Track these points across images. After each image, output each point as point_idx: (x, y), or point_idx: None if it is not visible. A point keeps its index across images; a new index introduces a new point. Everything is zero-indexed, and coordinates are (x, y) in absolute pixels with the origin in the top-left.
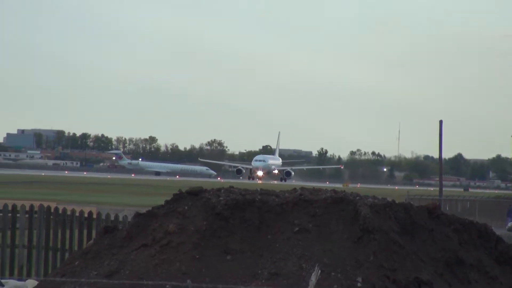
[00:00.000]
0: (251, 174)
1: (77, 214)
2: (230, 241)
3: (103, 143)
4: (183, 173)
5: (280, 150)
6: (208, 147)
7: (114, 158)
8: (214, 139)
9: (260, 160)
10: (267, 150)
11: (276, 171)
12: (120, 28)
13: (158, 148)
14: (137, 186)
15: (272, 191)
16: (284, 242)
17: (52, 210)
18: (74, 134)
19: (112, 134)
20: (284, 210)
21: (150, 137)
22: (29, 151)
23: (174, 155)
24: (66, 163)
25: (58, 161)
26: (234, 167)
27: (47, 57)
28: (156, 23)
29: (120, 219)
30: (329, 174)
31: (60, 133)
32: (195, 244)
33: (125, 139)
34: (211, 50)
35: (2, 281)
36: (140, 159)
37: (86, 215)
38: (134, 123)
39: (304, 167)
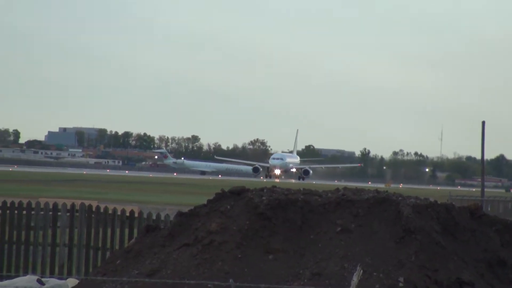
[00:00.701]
0: (268, 173)
1: (119, 212)
2: (273, 240)
3: (145, 142)
4: (228, 173)
5: (323, 150)
6: (251, 147)
7: (156, 157)
8: (257, 139)
9: (277, 158)
10: (309, 150)
11: (294, 170)
12: (165, 29)
13: (200, 147)
14: (179, 185)
15: (315, 190)
16: (326, 242)
17: (94, 209)
18: (116, 132)
19: (155, 133)
20: (326, 210)
21: (193, 136)
22: (70, 150)
23: (217, 154)
24: (108, 162)
25: (100, 160)
26: (251, 165)
27: (90, 55)
28: (196, 23)
29: (162, 218)
30: (371, 174)
31: (102, 132)
32: (237, 243)
33: (167, 138)
34: (252, 50)
35: (43, 279)
36: (182, 158)
37: (127, 214)
38: (176, 122)
39: (323, 166)
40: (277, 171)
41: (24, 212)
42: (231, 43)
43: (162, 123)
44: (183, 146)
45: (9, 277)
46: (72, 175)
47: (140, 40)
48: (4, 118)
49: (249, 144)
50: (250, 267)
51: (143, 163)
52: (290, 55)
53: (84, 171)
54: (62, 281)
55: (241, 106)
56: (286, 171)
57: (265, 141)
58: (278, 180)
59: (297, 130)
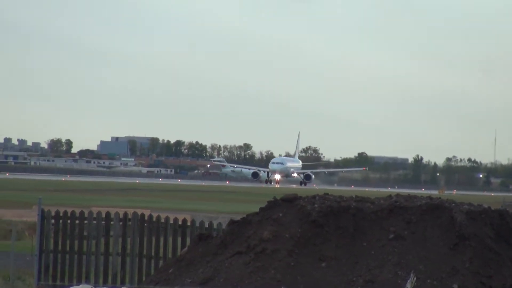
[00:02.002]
0: (268, 178)
1: (171, 221)
2: (325, 248)
3: (197, 150)
4: (286, 181)
5: (376, 157)
6: (303, 154)
7: (208, 165)
8: (309, 146)
9: (277, 163)
10: (362, 157)
11: (295, 175)
12: (219, 35)
13: (252, 155)
14: (232, 193)
15: (367, 198)
16: (379, 249)
17: (146, 218)
18: (169, 141)
19: (207, 141)
20: (379, 217)
21: (245, 144)
22: (123, 159)
23: (269, 162)
24: (160, 171)
25: (152, 169)
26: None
27: (142, 64)
28: (247, 31)
29: (215, 226)
30: (424, 180)
31: (154, 140)
32: (289, 251)
33: (219, 146)
34: (303, 57)
35: None
36: (235, 166)
37: (180, 222)
38: (229, 130)
39: (325, 170)
40: (277, 176)
41: (77, 221)
42: (282, 51)
43: (214, 131)
44: (235, 154)
45: (63, 287)
46: (125, 184)
47: (193, 48)
48: (56, 128)
49: (301, 151)
50: (302, 275)
51: (196, 171)
52: (341, 63)
53: (137, 180)
54: None
55: (295, 113)
56: (287, 176)
57: (318, 148)
58: (278, 186)
59: (299, 132)
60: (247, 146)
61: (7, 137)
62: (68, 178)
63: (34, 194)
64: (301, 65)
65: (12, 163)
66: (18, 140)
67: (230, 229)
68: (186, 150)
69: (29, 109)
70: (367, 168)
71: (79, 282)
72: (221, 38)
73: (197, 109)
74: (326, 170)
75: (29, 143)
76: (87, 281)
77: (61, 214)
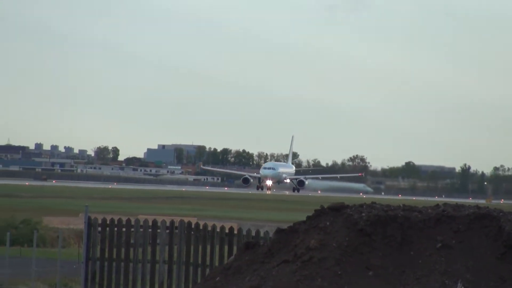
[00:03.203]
0: (260, 184)
1: (218, 229)
2: (372, 257)
3: (244, 158)
4: (340, 190)
5: (422, 166)
6: (350, 163)
7: (255, 174)
8: (357, 155)
9: (269, 168)
10: (409, 166)
11: (287, 180)
12: (268, 44)
13: (299, 164)
14: (279, 201)
15: (414, 207)
16: (426, 258)
17: (193, 226)
18: (215, 149)
19: (253, 150)
20: (426, 226)
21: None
22: (169, 167)
23: (316, 170)
24: (207, 179)
25: (199, 177)
26: (241, 176)
27: (189, 74)
28: (302, 40)
29: (261, 234)
30: (472, 190)
31: (201, 149)
32: (336, 260)
33: (266, 154)
34: (352, 65)
35: None
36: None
37: (227, 230)
38: (275, 139)
39: (320, 176)
40: (269, 182)
41: (124, 229)
42: (331, 58)
43: (261, 140)
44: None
45: None
46: (171, 192)
47: (238, 56)
48: (103, 135)
49: (348, 160)
50: (349, 284)
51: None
52: (387, 72)
53: (183, 188)
54: None
55: (341, 122)
56: (278, 182)
57: (365, 157)
58: (269, 192)
59: (292, 136)
60: (294, 155)
61: (54, 144)
62: (115, 185)
63: (81, 201)
64: (348, 74)
65: (59, 171)
66: (65, 147)
67: (277, 237)
68: (232, 158)
69: (77, 117)
70: (363, 174)
71: None
72: (270, 48)
73: (244, 118)
74: (320, 176)
75: (76, 151)
76: None
77: (107, 222)
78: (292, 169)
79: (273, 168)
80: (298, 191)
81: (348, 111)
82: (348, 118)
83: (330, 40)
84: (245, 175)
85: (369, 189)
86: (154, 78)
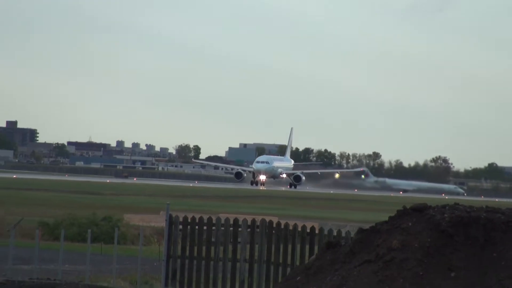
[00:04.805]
0: (254, 179)
1: (299, 229)
2: (454, 258)
3: (326, 158)
4: (430, 191)
5: (506, 168)
6: (433, 164)
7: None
8: (439, 156)
9: (262, 162)
10: (492, 167)
11: (284, 175)
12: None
13: (381, 164)
14: (360, 201)
15: (498, 208)
16: (510, 260)
17: (274, 225)
18: (297, 148)
19: (336, 150)
20: (510, 227)
21: (374, 152)
22: (251, 165)
23: (398, 171)
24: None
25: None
26: (231, 169)
27: (269, 71)
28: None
29: (343, 234)
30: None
31: (282, 148)
32: (418, 260)
33: (348, 154)
34: (435, 66)
35: None
36: (364, 173)
37: (308, 230)
38: (358, 138)
39: (318, 171)
40: (263, 177)
41: (205, 227)
42: (414, 58)
43: (343, 139)
44: (364, 163)
45: None
46: (253, 191)
47: (317, 55)
48: (185, 134)
49: (430, 161)
50: (431, 285)
51: (322, 181)
52: (472, 73)
53: (264, 187)
54: None
55: (424, 123)
56: (274, 177)
57: (447, 158)
58: (263, 188)
59: (291, 128)
60: (376, 155)
61: (135, 142)
62: (196, 184)
63: (162, 199)
64: (430, 74)
65: (140, 168)
66: (146, 145)
67: (359, 237)
68: (314, 158)
69: (159, 115)
70: (364, 169)
71: None
72: (352, 49)
73: (326, 117)
74: (319, 171)
75: (157, 149)
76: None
77: (189, 220)
78: (290, 163)
79: (267, 162)
80: (295, 187)
81: (431, 112)
82: (431, 119)
83: (409, 40)
84: (237, 169)
85: (460, 190)
86: (239, 79)
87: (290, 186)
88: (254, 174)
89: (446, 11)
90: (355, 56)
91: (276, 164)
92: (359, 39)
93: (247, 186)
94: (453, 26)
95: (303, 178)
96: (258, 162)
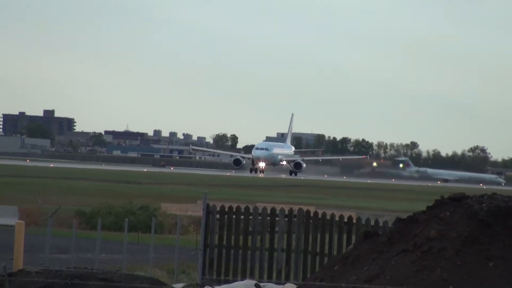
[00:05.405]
0: (253, 166)
1: (337, 218)
2: (492, 248)
3: (363, 148)
4: (471, 181)
5: None
6: (470, 154)
7: (374, 164)
8: (477, 145)
9: (262, 149)
10: None
11: (284, 162)
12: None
13: (419, 154)
14: (398, 191)
15: None
16: None
17: (311, 214)
18: (334, 138)
19: (373, 139)
20: None
21: (412, 142)
22: (320, 157)
23: (436, 161)
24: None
25: (318, 166)
26: (232, 156)
27: (310, 63)
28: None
29: (380, 224)
30: None
31: (320, 137)
32: (456, 250)
33: (386, 144)
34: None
35: (261, 284)
36: (402, 163)
37: (345, 219)
38: (395, 128)
39: (320, 158)
40: (262, 164)
41: (242, 216)
42: (453, 50)
43: (381, 129)
44: (401, 152)
45: (227, 282)
46: (290, 181)
47: (359, 47)
48: (222, 123)
49: (468, 151)
50: (469, 275)
51: (361, 170)
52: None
53: (302, 177)
54: (280, 286)
55: (463, 112)
56: (274, 164)
57: (485, 148)
58: (262, 175)
59: (292, 114)
60: (413, 145)
61: (173, 131)
62: (233, 173)
63: (199, 188)
64: (467, 66)
65: (177, 158)
66: (183, 134)
67: (397, 227)
68: (352, 148)
69: (196, 104)
70: (367, 156)
71: (243, 278)
72: (390, 39)
73: (364, 107)
74: (320, 158)
75: (195, 138)
76: (252, 277)
77: (226, 209)
78: (290, 150)
79: (266, 149)
80: (295, 174)
81: (468, 101)
82: (468, 109)
83: (447, 32)
84: (237, 156)
85: (500, 180)
86: (276, 68)
87: (291, 174)
88: (254, 161)
89: (476, 1)
90: (394, 47)
91: (276, 151)
92: (398, 30)
93: (246, 174)
94: (486, 16)
95: (304, 165)
96: (257, 148)
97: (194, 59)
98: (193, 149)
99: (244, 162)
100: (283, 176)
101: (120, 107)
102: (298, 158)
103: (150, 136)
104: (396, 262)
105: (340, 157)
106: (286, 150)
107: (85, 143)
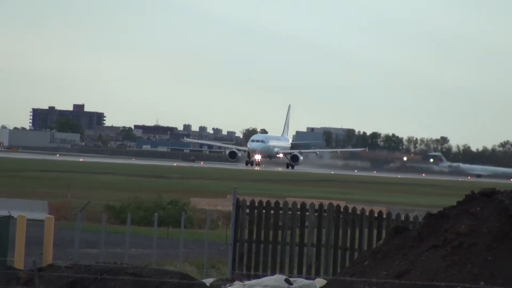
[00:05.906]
0: (249, 158)
1: (367, 213)
2: None
3: (393, 142)
4: (504, 176)
5: None
6: (501, 149)
7: (405, 159)
8: (507, 140)
9: (257, 141)
10: None
11: (280, 155)
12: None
13: (449, 149)
14: (428, 186)
15: None
16: None
17: (342, 209)
18: (364, 133)
19: (403, 134)
20: None
21: (442, 137)
22: (318, 150)
23: (466, 156)
24: (356, 163)
25: (348, 161)
26: (227, 148)
27: (349, 59)
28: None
29: (411, 219)
30: None
31: (350, 132)
32: (487, 246)
33: (416, 139)
34: (495, 49)
35: (291, 279)
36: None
37: (375, 214)
38: (426, 123)
39: (317, 150)
40: (258, 157)
41: (272, 211)
42: (476, 42)
43: (411, 124)
44: (431, 147)
45: (257, 277)
46: (320, 175)
47: (392, 41)
48: (252, 117)
49: (498, 146)
50: (500, 270)
51: (391, 164)
52: None
53: (332, 171)
54: (310, 281)
55: (493, 106)
56: (270, 157)
57: None
58: (258, 168)
59: (289, 105)
60: (443, 140)
61: (202, 125)
62: (263, 168)
63: (229, 183)
64: (499, 59)
65: (207, 152)
66: (213, 129)
67: (427, 222)
68: (382, 142)
69: (226, 98)
70: (366, 149)
71: (273, 273)
72: (420, 34)
73: (394, 101)
74: (317, 151)
75: (224, 132)
76: (282, 272)
77: (256, 204)
78: (287, 142)
79: (262, 141)
80: (292, 167)
81: (497, 96)
82: (498, 104)
83: (479, 25)
84: (232, 148)
85: None
86: (302, 61)
87: (287, 167)
88: (249, 153)
89: None
90: (425, 41)
91: (272, 143)
92: (431, 23)
93: (242, 167)
94: None
95: (301, 157)
96: (253, 141)
97: (224, 53)
98: (186, 141)
99: (240, 154)
100: (280, 169)
101: (150, 102)
102: (295, 151)
103: (180, 131)
104: (427, 258)
105: (338, 150)
106: (283, 142)
107: (114, 137)
